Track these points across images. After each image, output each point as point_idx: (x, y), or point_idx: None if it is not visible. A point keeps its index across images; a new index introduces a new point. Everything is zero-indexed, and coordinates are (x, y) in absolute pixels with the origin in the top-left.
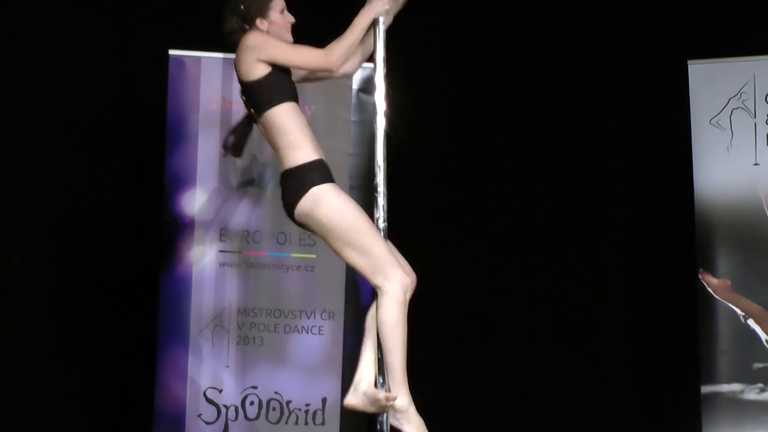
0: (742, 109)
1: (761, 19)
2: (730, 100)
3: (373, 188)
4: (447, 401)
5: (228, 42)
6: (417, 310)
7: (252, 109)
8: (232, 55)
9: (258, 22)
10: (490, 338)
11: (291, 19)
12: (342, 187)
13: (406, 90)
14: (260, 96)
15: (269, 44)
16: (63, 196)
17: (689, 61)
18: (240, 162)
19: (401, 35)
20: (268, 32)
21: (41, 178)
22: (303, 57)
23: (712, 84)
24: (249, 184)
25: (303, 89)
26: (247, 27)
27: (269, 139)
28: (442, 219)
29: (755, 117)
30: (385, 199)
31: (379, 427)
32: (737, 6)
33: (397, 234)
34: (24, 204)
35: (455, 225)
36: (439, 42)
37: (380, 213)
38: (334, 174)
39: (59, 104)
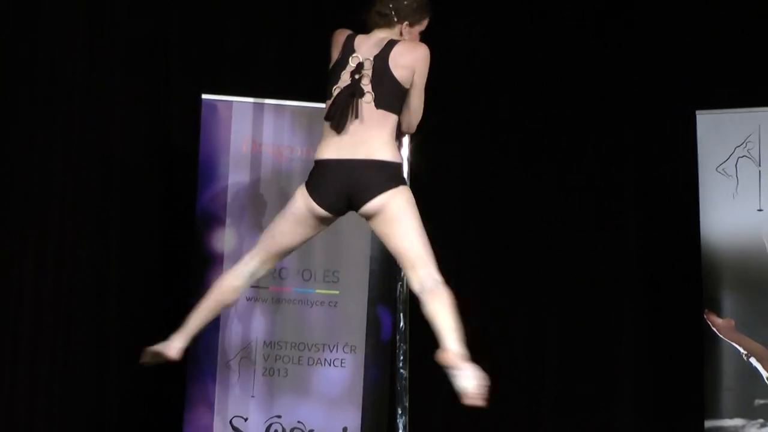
0: (748, 157)
1: (762, 72)
2: (735, 148)
3: None
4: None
5: (365, 19)
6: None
7: (375, 93)
8: (261, 100)
9: (404, 26)
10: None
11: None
12: (363, 228)
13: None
14: (395, 97)
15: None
16: (101, 232)
17: (697, 112)
18: (268, 201)
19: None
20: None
21: (82, 214)
22: (421, 106)
23: (719, 133)
24: None
25: None
26: (394, 20)
27: (370, 127)
28: (460, 243)
29: (760, 165)
30: None
31: None
32: (744, 59)
33: None
34: (65, 238)
35: (473, 250)
36: (463, 91)
37: None
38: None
39: (99, 146)
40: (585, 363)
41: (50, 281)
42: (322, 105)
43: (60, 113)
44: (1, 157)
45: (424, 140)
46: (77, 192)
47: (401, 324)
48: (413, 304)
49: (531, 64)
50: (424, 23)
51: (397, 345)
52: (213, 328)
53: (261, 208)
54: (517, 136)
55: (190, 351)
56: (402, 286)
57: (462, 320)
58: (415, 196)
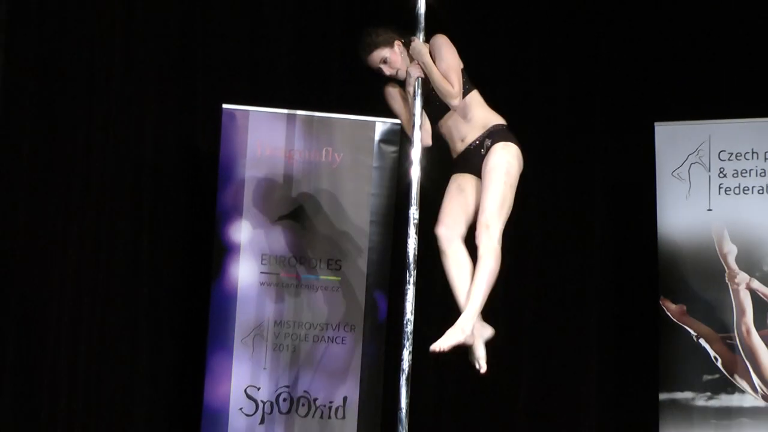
0: (699, 164)
1: (716, 87)
2: (689, 156)
3: (396, 222)
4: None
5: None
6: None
7: None
8: (275, 110)
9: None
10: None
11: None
12: (363, 221)
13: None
14: None
15: None
16: (132, 227)
17: (656, 123)
18: (279, 199)
19: None
20: None
21: (116, 212)
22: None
23: (675, 142)
24: (286, 218)
25: (333, 140)
26: None
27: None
28: None
29: (710, 170)
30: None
31: (402, 425)
32: (697, 77)
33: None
34: (103, 228)
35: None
36: None
37: (412, 238)
38: (357, 209)
39: (131, 149)
40: (557, 340)
41: (89, 265)
42: (327, 114)
43: (99, 121)
44: (49, 158)
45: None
46: (114, 189)
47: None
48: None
49: (508, 76)
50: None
51: (405, 322)
52: (230, 309)
53: (272, 204)
54: None
55: (210, 329)
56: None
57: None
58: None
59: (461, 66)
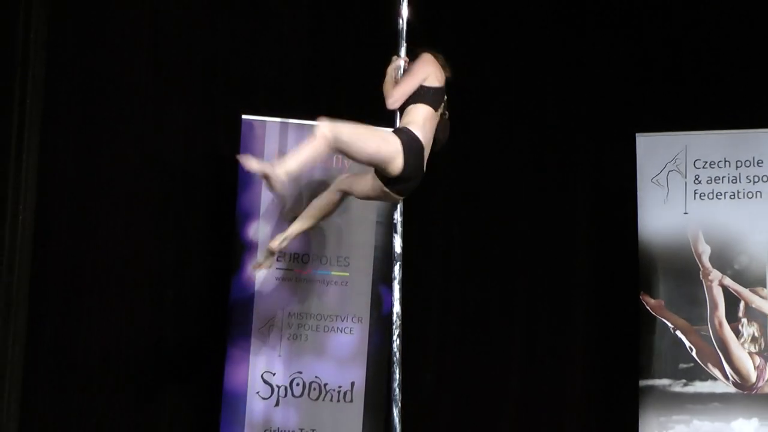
0: (676, 171)
1: (692, 102)
2: (667, 164)
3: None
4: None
5: None
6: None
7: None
8: (289, 120)
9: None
10: (480, 341)
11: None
12: (369, 222)
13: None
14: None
15: None
16: (160, 225)
17: (637, 134)
18: (293, 201)
19: None
20: None
21: (144, 212)
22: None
23: (654, 151)
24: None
25: None
26: None
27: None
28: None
29: (686, 177)
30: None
31: (397, 407)
32: (675, 92)
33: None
34: (130, 230)
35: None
36: None
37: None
38: (364, 211)
39: (159, 156)
40: (546, 331)
41: (121, 259)
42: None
43: (131, 129)
44: (87, 163)
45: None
46: (144, 191)
47: (397, 300)
48: (409, 285)
49: (499, 91)
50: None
51: (395, 316)
52: (248, 301)
53: (287, 206)
54: (490, 154)
55: (230, 320)
56: (399, 270)
57: None
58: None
59: (420, 82)
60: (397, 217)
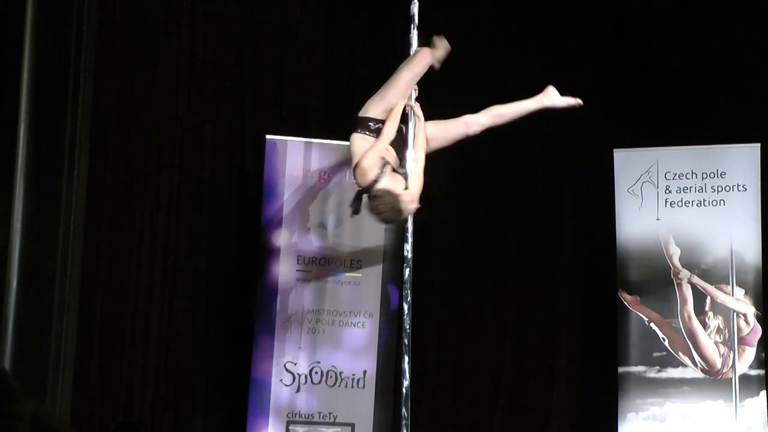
0: (649, 182)
1: (663, 121)
2: (641, 176)
3: (402, 231)
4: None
5: None
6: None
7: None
8: (308, 139)
9: None
10: (478, 336)
11: None
12: (379, 230)
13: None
14: None
15: None
16: (194, 233)
17: (615, 149)
18: (312, 211)
19: None
20: None
21: (179, 221)
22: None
23: (630, 165)
24: (318, 226)
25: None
26: None
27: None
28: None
29: (658, 188)
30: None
31: (404, 392)
32: (648, 112)
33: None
34: (170, 237)
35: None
36: None
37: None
38: (374, 220)
39: (192, 170)
40: (534, 324)
41: (159, 263)
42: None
43: (166, 147)
44: (128, 178)
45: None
46: (178, 202)
47: (407, 298)
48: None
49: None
50: None
51: (405, 311)
52: (272, 299)
53: (307, 215)
54: (483, 166)
55: (256, 316)
56: (409, 270)
57: None
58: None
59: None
60: (409, 227)
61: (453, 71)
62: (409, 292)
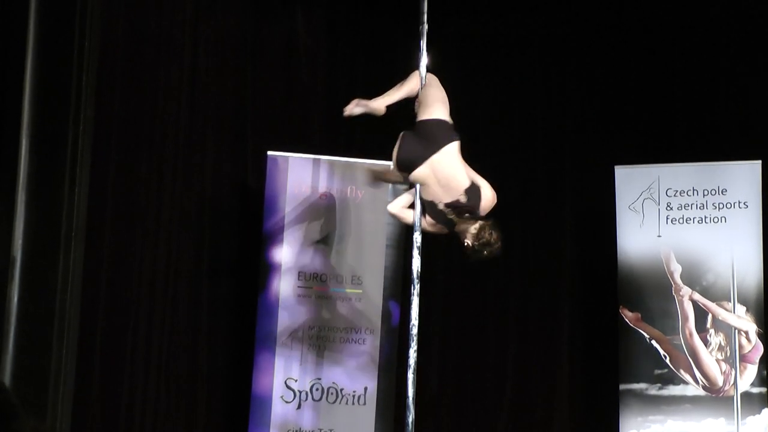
0: (650, 199)
1: (664, 138)
2: (642, 192)
3: (406, 246)
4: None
5: None
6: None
7: None
8: (309, 156)
9: None
10: (483, 347)
11: None
12: (380, 246)
13: None
14: None
15: None
16: (195, 248)
17: (616, 166)
18: (313, 227)
19: None
20: None
21: (180, 236)
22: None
23: (631, 181)
24: (318, 243)
25: (356, 180)
26: None
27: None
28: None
29: (659, 204)
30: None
31: (406, 403)
32: (649, 129)
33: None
34: (168, 252)
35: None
36: None
37: (416, 258)
38: (376, 236)
39: (194, 186)
40: (536, 341)
41: (161, 279)
42: (351, 159)
43: (169, 163)
44: (130, 192)
45: None
46: (181, 218)
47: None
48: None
49: (494, 128)
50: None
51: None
52: (273, 315)
53: (307, 231)
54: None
55: (257, 332)
56: (414, 286)
57: None
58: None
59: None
60: (416, 238)
61: (455, 90)
62: (416, 308)
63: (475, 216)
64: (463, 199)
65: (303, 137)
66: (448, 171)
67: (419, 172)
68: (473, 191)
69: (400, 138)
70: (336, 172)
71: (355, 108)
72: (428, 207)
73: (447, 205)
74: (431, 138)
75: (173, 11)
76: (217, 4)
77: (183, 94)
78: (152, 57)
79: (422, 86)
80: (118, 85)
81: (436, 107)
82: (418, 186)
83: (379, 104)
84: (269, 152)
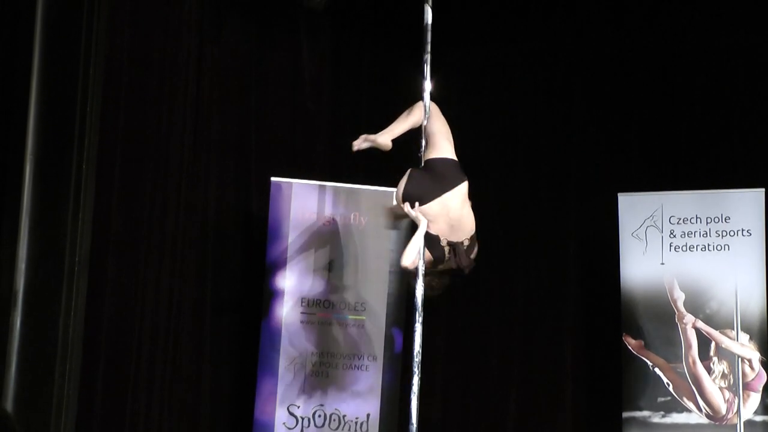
0: (654, 226)
1: (667, 166)
2: (645, 220)
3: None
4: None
5: None
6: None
7: None
8: (313, 182)
9: None
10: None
11: None
12: (383, 273)
13: None
14: None
15: None
16: (198, 274)
17: (619, 194)
18: (316, 254)
19: None
20: None
21: (183, 262)
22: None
23: (634, 209)
24: (322, 269)
25: (359, 206)
26: None
27: None
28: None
29: (662, 232)
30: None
31: (409, 429)
32: (652, 157)
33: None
34: (172, 278)
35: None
36: None
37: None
38: (379, 263)
39: (198, 212)
40: (539, 368)
41: (164, 304)
42: (355, 186)
43: (173, 189)
44: (134, 218)
45: None
46: (184, 244)
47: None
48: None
49: (500, 157)
50: None
51: (414, 353)
52: (276, 341)
53: (311, 258)
54: (490, 209)
55: (260, 358)
56: (418, 314)
57: None
58: None
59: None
60: (420, 265)
61: (458, 120)
62: (419, 335)
63: (454, 272)
64: (467, 242)
65: (307, 163)
66: (459, 211)
67: (431, 209)
68: (473, 242)
69: (407, 174)
70: (340, 199)
71: (362, 143)
72: (429, 241)
73: (450, 243)
74: (441, 176)
75: (178, 38)
76: (222, 31)
77: (187, 119)
78: (156, 84)
79: (426, 117)
80: (122, 113)
81: (443, 145)
82: (424, 221)
83: (385, 139)
84: (273, 178)
